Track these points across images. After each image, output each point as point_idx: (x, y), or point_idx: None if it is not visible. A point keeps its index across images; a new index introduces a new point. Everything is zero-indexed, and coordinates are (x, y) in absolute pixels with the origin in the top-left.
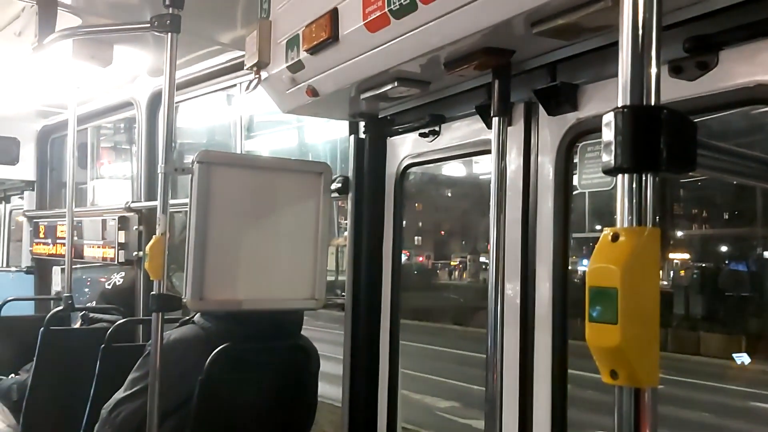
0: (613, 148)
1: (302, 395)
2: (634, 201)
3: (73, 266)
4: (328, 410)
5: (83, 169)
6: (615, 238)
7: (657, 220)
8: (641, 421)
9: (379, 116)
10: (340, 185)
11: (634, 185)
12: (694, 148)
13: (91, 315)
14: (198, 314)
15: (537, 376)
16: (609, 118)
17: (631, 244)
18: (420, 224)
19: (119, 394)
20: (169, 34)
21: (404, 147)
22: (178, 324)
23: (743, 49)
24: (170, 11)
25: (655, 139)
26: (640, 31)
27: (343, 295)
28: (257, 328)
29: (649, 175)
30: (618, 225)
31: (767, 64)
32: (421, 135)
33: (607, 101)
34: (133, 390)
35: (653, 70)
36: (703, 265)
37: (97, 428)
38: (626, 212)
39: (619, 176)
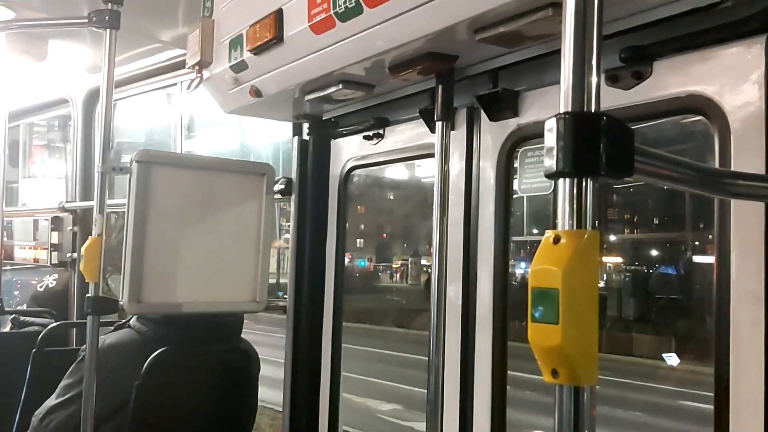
0: (554, 153)
1: (243, 399)
2: (575, 205)
3: (3, 268)
4: (269, 415)
5: (14, 168)
6: (556, 240)
7: (596, 223)
8: (580, 419)
9: (323, 118)
10: (283, 187)
11: (574, 189)
12: (632, 154)
13: (22, 318)
14: (134, 318)
15: (477, 377)
16: (551, 123)
17: (572, 247)
18: (362, 227)
19: (51, 401)
20: (108, 30)
21: (348, 149)
22: (113, 328)
23: (676, 60)
24: (109, 6)
25: (595, 145)
26: (582, 40)
27: (285, 298)
28: (196, 331)
29: (589, 180)
30: (559, 228)
31: (698, 75)
32: (365, 138)
33: (546, 108)
34: (66, 397)
35: (593, 78)
36: (635, 268)
37: None
38: (567, 215)
39: (560, 180)
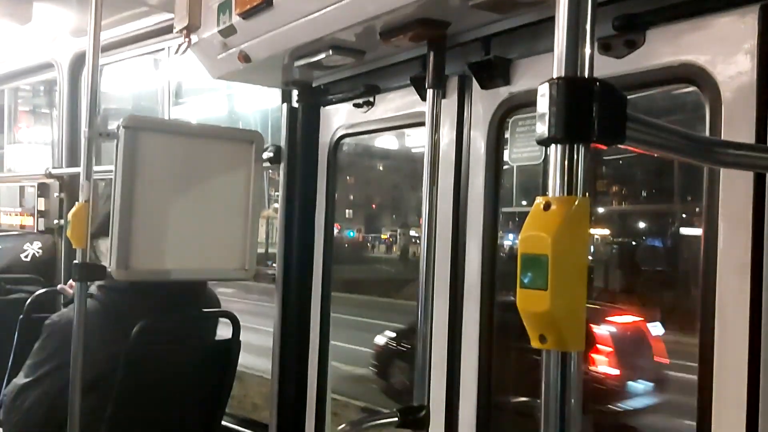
0: (547, 118)
1: (225, 364)
2: (566, 171)
3: None
4: (258, 382)
5: None
6: (547, 206)
7: (587, 191)
8: (567, 384)
9: (313, 85)
10: (272, 155)
11: (566, 156)
12: (624, 121)
13: (8, 286)
14: (94, 287)
15: (465, 345)
16: (544, 89)
17: (562, 213)
18: (351, 197)
19: (20, 380)
20: None
21: (338, 117)
22: (70, 299)
23: (669, 29)
24: None
25: (587, 111)
26: (576, 6)
27: (274, 266)
28: (159, 299)
29: (581, 146)
30: (550, 194)
31: (691, 45)
32: (355, 105)
33: (538, 76)
34: (36, 375)
35: (587, 45)
36: (622, 240)
37: (2, 416)
38: (558, 182)
39: (552, 146)
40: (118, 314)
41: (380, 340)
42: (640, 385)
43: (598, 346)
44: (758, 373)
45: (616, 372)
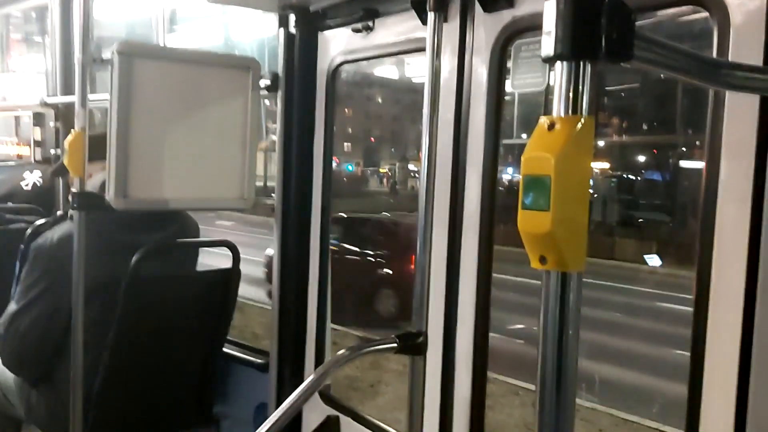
0: (553, 35)
1: (227, 290)
2: (571, 89)
3: None
4: (258, 312)
5: None
6: (551, 126)
7: (592, 109)
8: (566, 304)
9: (311, 9)
10: (269, 82)
11: (572, 73)
12: (632, 38)
13: (8, 216)
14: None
15: (463, 274)
16: (551, 4)
17: (566, 133)
18: (350, 130)
19: (11, 307)
20: None
21: (336, 43)
22: (51, 223)
23: None
24: None
25: (595, 27)
26: None
27: (273, 197)
28: (126, 219)
29: (587, 63)
30: (554, 114)
31: None
32: (354, 30)
33: None
34: (27, 300)
35: None
36: (621, 174)
37: None
38: (563, 101)
39: (558, 64)
40: (91, 234)
41: (269, 251)
42: None
43: None
44: (754, 302)
45: None
